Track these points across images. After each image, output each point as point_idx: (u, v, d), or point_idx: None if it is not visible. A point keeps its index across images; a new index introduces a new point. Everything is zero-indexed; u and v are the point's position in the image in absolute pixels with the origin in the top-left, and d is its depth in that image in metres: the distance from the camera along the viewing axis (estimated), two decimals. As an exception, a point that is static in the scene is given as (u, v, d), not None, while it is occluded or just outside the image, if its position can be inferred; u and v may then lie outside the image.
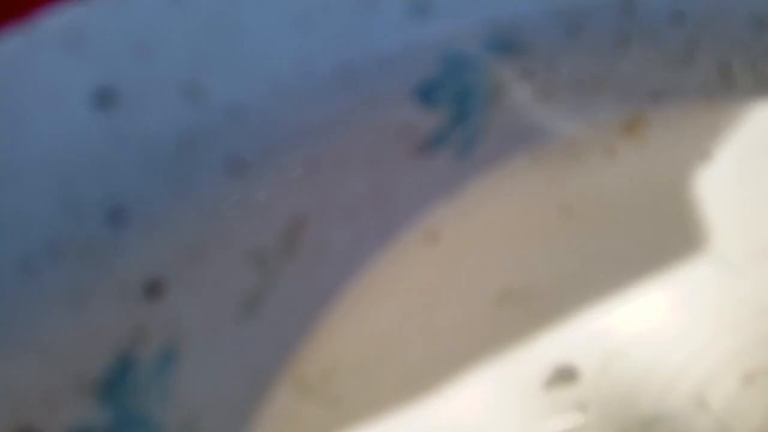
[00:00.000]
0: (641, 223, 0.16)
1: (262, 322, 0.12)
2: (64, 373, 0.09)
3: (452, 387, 0.15)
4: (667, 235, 0.17)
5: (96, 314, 0.09)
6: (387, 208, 0.12)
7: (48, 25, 0.09)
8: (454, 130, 0.12)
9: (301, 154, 0.11)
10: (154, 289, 0.10)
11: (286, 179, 0.11)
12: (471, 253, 0.14)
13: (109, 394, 0.10)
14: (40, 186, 0.09)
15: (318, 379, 0.14)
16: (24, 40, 0.09)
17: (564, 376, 0.16)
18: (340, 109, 0.11)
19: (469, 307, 0.15)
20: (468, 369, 0.16)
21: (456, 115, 0.12)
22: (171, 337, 0.10)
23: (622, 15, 0.13)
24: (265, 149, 0.10)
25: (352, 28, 0.11)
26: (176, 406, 0.11)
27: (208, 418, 0.12)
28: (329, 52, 0.11)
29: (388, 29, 0.11)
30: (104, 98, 0.09)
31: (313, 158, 0.11)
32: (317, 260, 0.12)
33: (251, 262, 0.11)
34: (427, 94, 0.12)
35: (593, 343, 0.16)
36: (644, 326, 0.17)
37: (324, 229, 0.12)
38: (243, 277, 0.11)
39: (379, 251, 0.13)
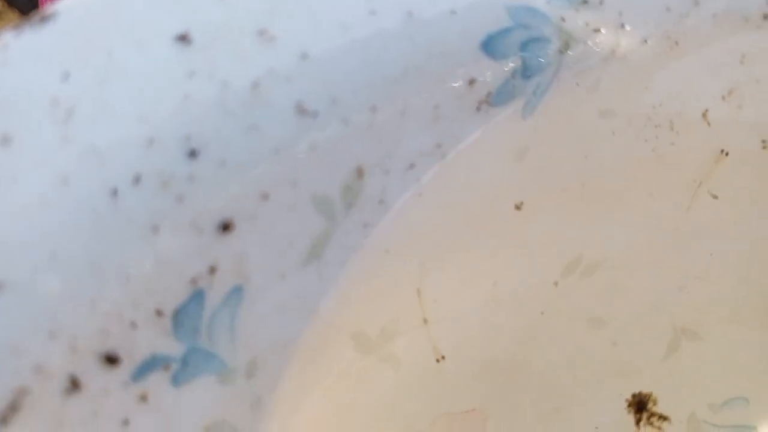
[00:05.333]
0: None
1: (325, 269, 0.12)
2: (144, 301, 0.10)
3: (514, 358, 0.15)
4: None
5: (173, 244, 0.10)
6: (449, 165, 0.12)
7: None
8: (520, 85, 0.12)
9: (367, 104, 0.11)
10: (225, 226, 0.10)
11: (351, 128, 0.11)
12: (543, 220, 0.14)
13: (182, 327, 0.11)
14: (127, 118, 0.09)
15: (377, 338, 0.14)
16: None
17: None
18: (407, 59, 0.11)
19: (533, 277, 0.15)
20: (527, 341, 0.16)
21: (523, 69, 0.12)
22: (239, 276, 0.11)
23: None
24: (332, 96, 0.11)
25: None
26: (242, 346, 0.11)
27: (271, 361, 0.12)
28: (399, 2, 0.11)
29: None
30: (183, 40, 0.10)
31: (378, 108, 0.11)
32: (376, 212, 0.12)
33: (316, 208, 0.11)
34: (494, 46, 0.12)
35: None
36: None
37: (384, 182, 0.12)
38: (308, 222, 0.11)
39: (442, 210, 0.13)
